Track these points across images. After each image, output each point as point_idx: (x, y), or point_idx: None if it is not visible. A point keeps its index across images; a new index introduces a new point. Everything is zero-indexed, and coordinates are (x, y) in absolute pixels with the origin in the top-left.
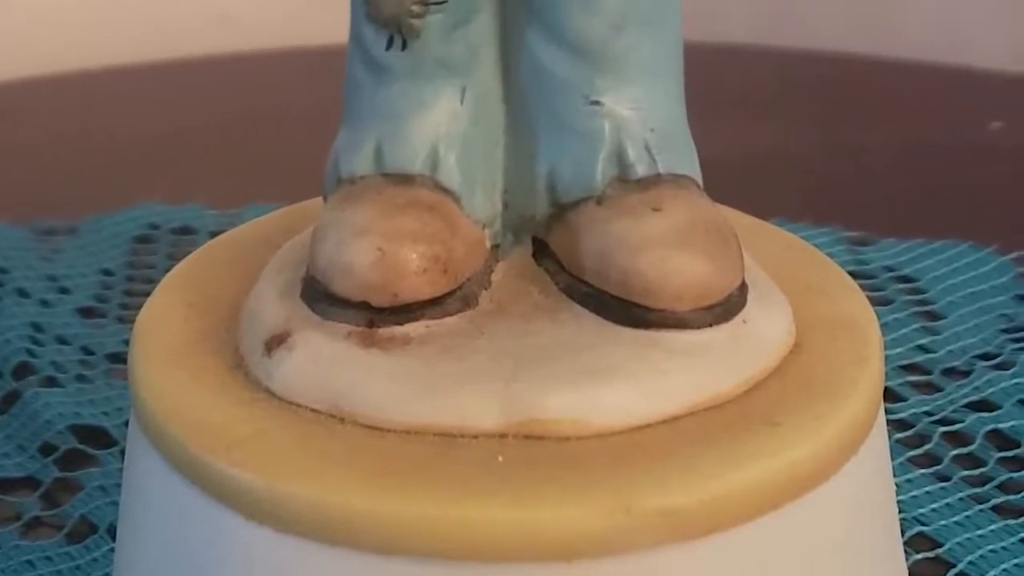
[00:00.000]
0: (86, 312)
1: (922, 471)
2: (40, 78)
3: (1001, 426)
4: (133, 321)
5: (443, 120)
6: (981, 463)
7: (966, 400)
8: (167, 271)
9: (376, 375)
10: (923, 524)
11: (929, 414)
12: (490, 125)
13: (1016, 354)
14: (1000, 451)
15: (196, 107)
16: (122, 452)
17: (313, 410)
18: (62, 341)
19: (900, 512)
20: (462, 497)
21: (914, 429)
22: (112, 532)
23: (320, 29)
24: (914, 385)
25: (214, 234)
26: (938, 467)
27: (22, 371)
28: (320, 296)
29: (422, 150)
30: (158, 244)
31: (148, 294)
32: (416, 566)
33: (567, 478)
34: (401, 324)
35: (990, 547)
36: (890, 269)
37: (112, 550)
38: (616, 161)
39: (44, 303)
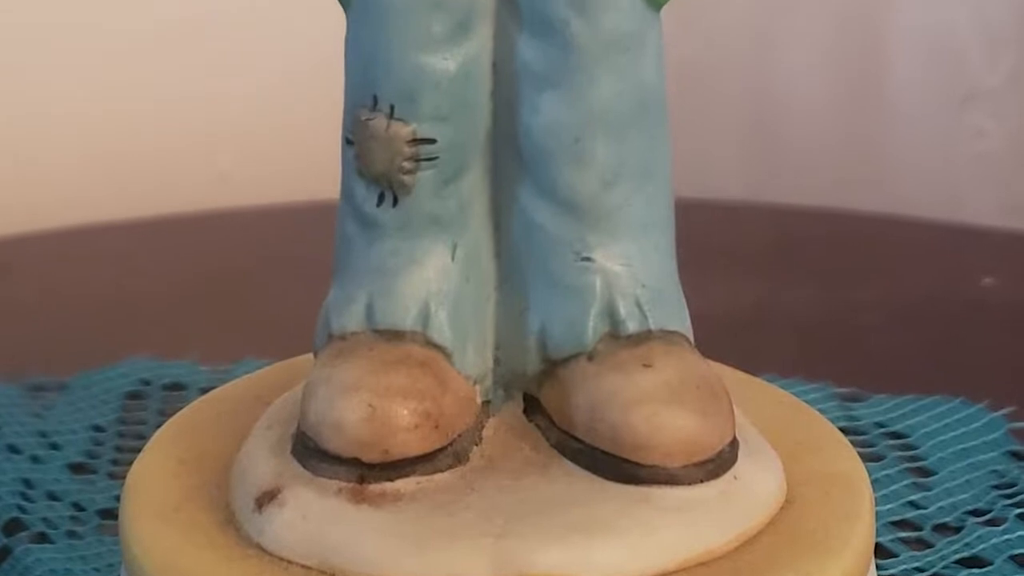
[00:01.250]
0: (77, 468)
1: None
2: (33, 234)
3: None
4: (124, 477)
5: (434, 276)
6: None
7: (957, 556)
8: (158, 427)
9: (367, 531)
10: None
11: (920, 570)
12: (481, 281)
13: (1007, 510)
14: None
15: (188, 263)
16: None
17: (304, 566)
18: (53, 497)
19: None
20: None
21: None
22: None
23: (312, 186)
24: (905, 541)
25: (205, 390)
26: None
27: (13, 527)
28: (311, 452)
29: (413, 307)
30: (149, 400)
31: (139, 450)
32: None
33: None
34: (392, 480)
35: None
36: (881, 425)
37: None
38: (607, 317)
39: (35, 459)
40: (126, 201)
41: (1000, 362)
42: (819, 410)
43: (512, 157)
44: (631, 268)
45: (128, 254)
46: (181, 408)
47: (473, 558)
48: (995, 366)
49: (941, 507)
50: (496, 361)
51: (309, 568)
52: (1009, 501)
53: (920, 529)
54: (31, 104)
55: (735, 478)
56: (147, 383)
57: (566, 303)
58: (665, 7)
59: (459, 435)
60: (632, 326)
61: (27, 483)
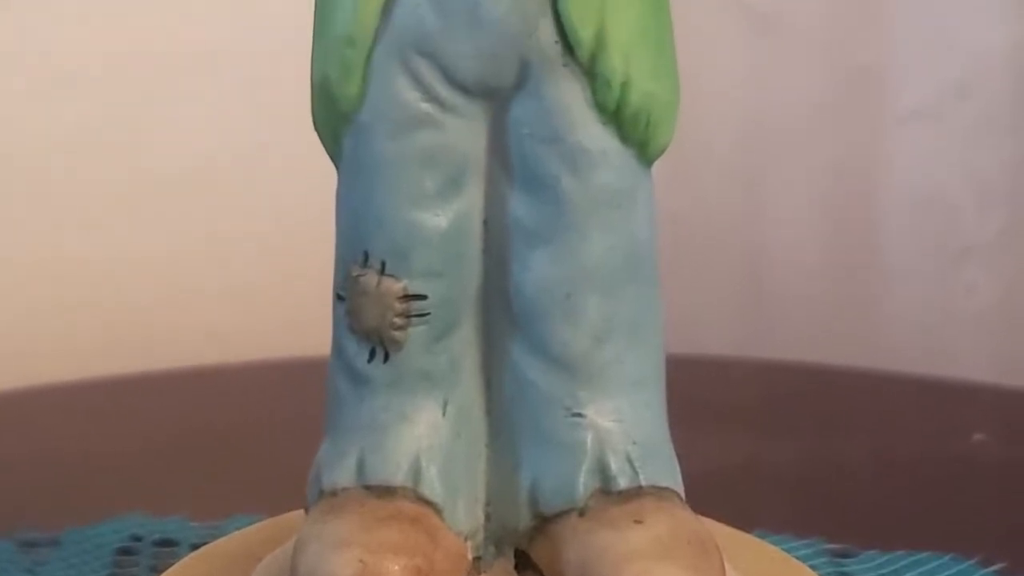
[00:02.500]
0: None
1: None
2: (21, 390)
3: None
4: None
5: (425, 433)
6: None
7: None
8: None
9: None
10: None
11: None
12: (472, 437)
13: None
14: None
15: (178, 418)
16: None
17: None
18: None
19: None
20: None
21: None
22: None
23: (303, 342)
24: None
25: (196, 546)
26: None
27: None
28: None
29: (404, 463)
30: (140, 556)
31: None
32: None
33: None
34: None
35: None
36: None
37: None
38: (598, 473)
39: None
40: (116, 356)
41: (991, 518)
42: (811, 566)
43: (503, 313)
44: (622, 424)
45: (118, 409)
46: (173, 564)
47: None
48: (986, 522)
49: None
50: (487, 517)
51: None
52: None
53: None
54: (21, 254)
55: None
56: (138, 539)
57: (557, 459)
58: (656, 162)
59: None
60: (623, 482)
61: None
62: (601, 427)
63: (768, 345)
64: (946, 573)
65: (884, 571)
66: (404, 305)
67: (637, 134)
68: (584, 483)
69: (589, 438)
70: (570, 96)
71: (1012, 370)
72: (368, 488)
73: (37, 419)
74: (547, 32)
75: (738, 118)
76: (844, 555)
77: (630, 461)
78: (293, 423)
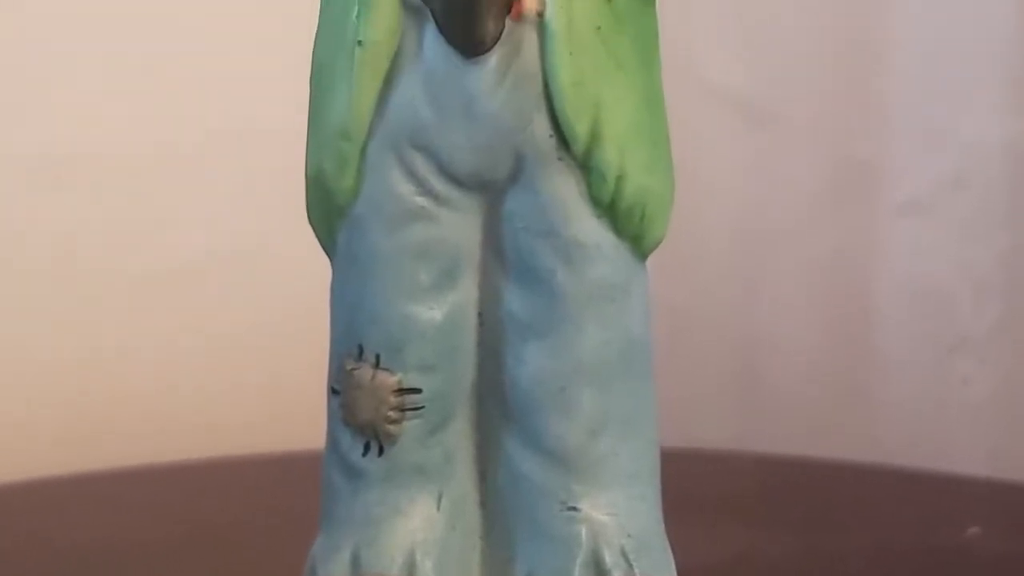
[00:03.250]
0: None
1: None
2: (19, 482)
3: None
4: None
5: (420, 526)
6: None
7: None
8: None
9: None
10: None
11: None
12: (467, 529)
13: None
14: None
15: (174, 512)
16: None
17: None
18: None
19: None
20: None
21: None
22: None
23: (297, 435)
24: None
25: None
26: None
27: None
28: None
29: (399, 556)
30: None
31: None
32: None
33: None
34: None
35: None
36: None
37: None
38: (593, 567)
39: None
40: (113, 449)
41: None
42: None
43: (497, 406)
44: (617, 518)
45: (115, 502)
46: None
47: None
48: None
49: None
50: None
51: None
52: None
53: None
54: (15, 348)
55: None
56: None
57: (552, 552)
58: (651, 255)
59: None
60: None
61: None
62: (596, 520)
63: (764, 438)
64: None
65: None
66: (399, 399)
67: (632, 227)
68: None
69: (584, 531)
70: (565, 190)
71: (1007, 463)
72: None
73: (33, 512)
74: (542, 126)
75: (734, 211)
76: None
77: (624, 555)
78: (288, 517)
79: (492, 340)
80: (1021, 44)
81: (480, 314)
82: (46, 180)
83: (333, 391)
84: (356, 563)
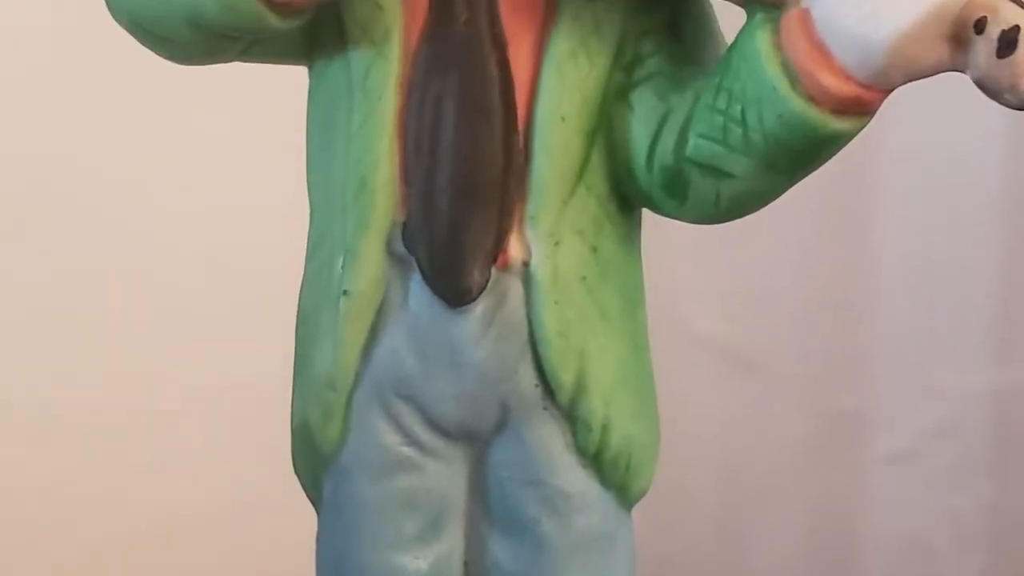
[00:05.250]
0: None
1: None
2: None
3: None
4: None
5: None
6: None
7: None
8: None
9: None
10: None
11: None
12: None
13: None
14: None
15: None
16: None
17: None
18: None
19: None
20: None
21: None
22: None
23: None
24: None
25: None
26: None
27: None
28: None
29: None
30: None
31: None
32: None
33: None
34: None
35: None
36: None
37: None
38: None
39: None
40: None
41: None
42: None
43: None
44: None
45: None
46: None
47: None
48: None
49: None
50: None
51: None
52: None
53: None
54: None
55: None
56: None
57: None
58: (636, 505)
59: None
60: None
61: None
62: None
63: None
64: None
65: None
66: None
67: (618, 477)
68: None
69: None
70: (550, 439)
71: None
72: None
73: None
74: (527, 376)
75: (719, 460)
76: None
77: None
78: None
79: None
80: (1004, 295)
81: (466, 563)
82: (29, 435)
83: None
84: None
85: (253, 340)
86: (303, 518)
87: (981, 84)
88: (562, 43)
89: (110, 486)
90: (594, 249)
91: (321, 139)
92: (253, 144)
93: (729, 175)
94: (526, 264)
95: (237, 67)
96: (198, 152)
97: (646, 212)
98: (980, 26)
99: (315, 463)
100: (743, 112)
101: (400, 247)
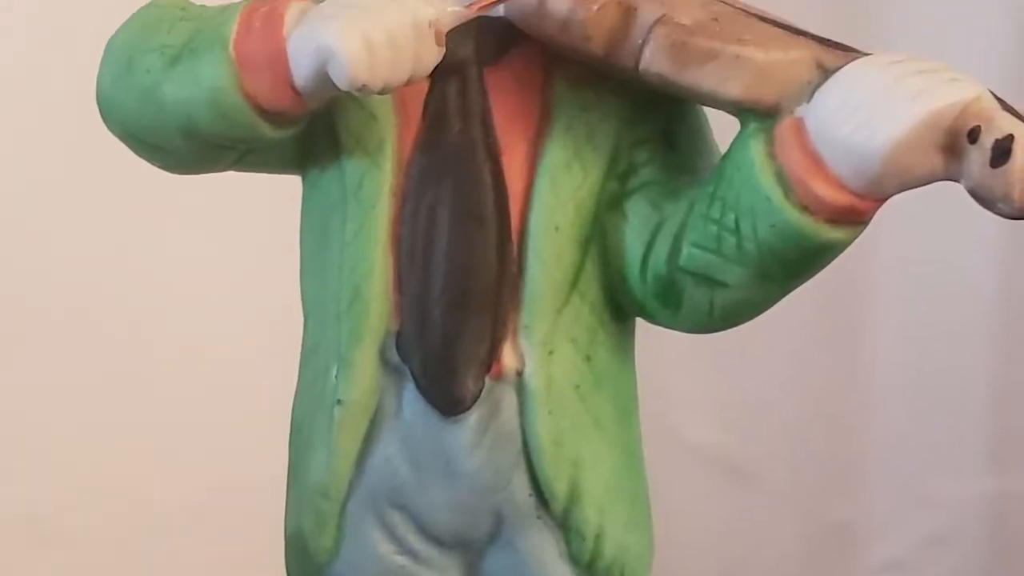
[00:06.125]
0: None
1: None
2: None
3: None
4: None
5: None
6: None
7: None
8: None
9: None
10: None
11: None
12: None
13: None
14: None
15: None
16: None
17: None
18: None
19: None
20: None
21: None
22: None
23: None
24: None
25: None
26: None
27: None
28: None
29: None
30: None
31: None
32: None
33: None
34: None
35: None
36: None
37: None
38: None
39: None
40: None
41: None
42: None
43: None
44: None
45: None
46: None
47: None
48: None
49: None
50: None
51: None
52: None
53: None
54: None
55: None
56: None
57: None
58: None
59: None
60: None
61: None
62: None
63: None
64: None
65: None
66: None
67: None
68: None
69: None
70: (543, 548)
71: None
72: None
73: None
74: (521, 485)
75: (714, 570)
76: None
77: None
78: None
79: None
80: (999, 402)
81: None
82: (32, 537)
83: None
84: None
85: (246, 449)
86: None
87: (975, 193)
88: (556, 153)
89: None
90: (588, 358)
91: (315, 248)
92: (247, 253)
93: (723, 284)
94: (520, 373)
95: (231, 176)
96: (190, 264)
97: (639, 321)
98: (974, 135)
99: (309, 572)
100: (737, 221)
101: (394, 356)
